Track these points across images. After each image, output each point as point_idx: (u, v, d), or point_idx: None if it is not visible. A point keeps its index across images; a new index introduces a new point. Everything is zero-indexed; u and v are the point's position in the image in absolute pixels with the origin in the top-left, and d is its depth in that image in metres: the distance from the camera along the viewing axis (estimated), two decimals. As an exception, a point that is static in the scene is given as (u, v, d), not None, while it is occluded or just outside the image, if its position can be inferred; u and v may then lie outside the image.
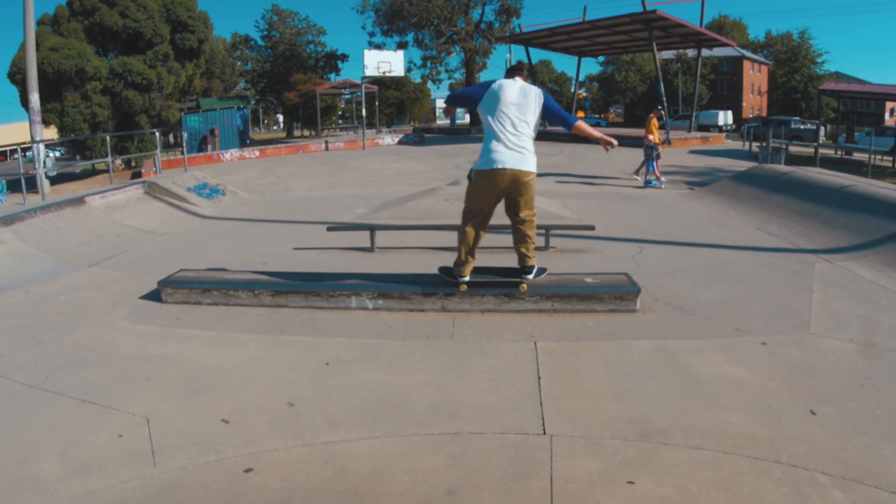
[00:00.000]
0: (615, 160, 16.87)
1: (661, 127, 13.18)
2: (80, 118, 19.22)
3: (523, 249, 4.24)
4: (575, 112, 36.25)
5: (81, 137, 19.30)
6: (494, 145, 3.87)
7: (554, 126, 4.40)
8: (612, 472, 2.46)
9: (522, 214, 4.09)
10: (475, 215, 4.11)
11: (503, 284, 4.38)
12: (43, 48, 17.76)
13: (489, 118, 3.92)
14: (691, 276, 5.24)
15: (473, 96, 4.05)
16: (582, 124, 4.17)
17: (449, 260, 5.93)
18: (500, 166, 3.83)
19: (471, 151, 20.89)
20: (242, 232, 8.23)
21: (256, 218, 9.26)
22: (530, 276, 4.31)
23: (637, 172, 12.80)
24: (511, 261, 5.81)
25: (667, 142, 13.26)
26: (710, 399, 3.04)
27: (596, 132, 4.31)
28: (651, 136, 12.32)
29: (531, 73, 36.09)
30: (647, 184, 11.96)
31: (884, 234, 6.08)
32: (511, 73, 4.11)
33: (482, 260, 5.86)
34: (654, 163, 12.04)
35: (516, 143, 3.86)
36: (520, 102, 3.91)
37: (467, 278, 4.32)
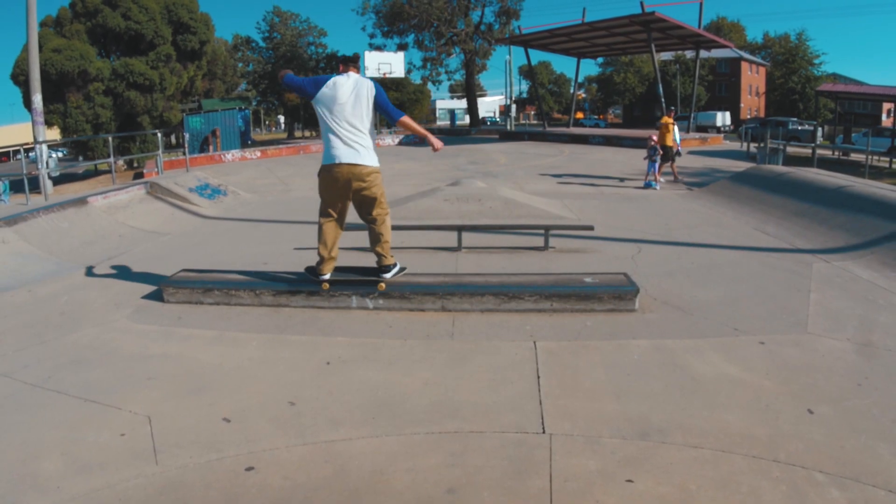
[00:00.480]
0: (614, 161, 16.89)
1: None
2: (83, 119, 19.23)
3: (378, 249, 4.30)
4: (574, 113, 36.21)
5: (84, 138, 19.31)
6: (332, 141, 3.96)
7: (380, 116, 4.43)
8: (611, 470, 2.45)
9: (374, 213, 4.17)
10: (328, 214, 4.19)
11: (363, 283, 4.41)
12: (46, 50, 17.76)
13: (326, 115, 3.97)
14: (690, 276, 5.24)
15: (308, 89, 4.02)
16: (406, 119, 4.17)
17: (449, 259, 5.95)
18: (336, 161, 3.94)
19: (471, 151, 20.91)
20: (244, 232, 8.23)
21: (258, 218, 9.26)
22: (388, 276, 4.37)
23: (660, 173, 12.46)
24: (506, 263, 5.82)
25: (677, 153, 13.08)
26: (709, 398, 3.04)
27: (421, 129, 4.45)
28: (655, 139, 12.28)
29: (531, 74, 36.10)
30: (647, 185, 11.93)
31: (881, 234, 6.08)
32: (345, 66, 4.13)
33: (481, 261, 5.87)
34: (657, 164, 11.96)
35: (352, 139, 3.95)
36: (353, 99, 3.96)
37: (328, 276, 4.37)
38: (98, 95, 19.49)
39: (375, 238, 4.26)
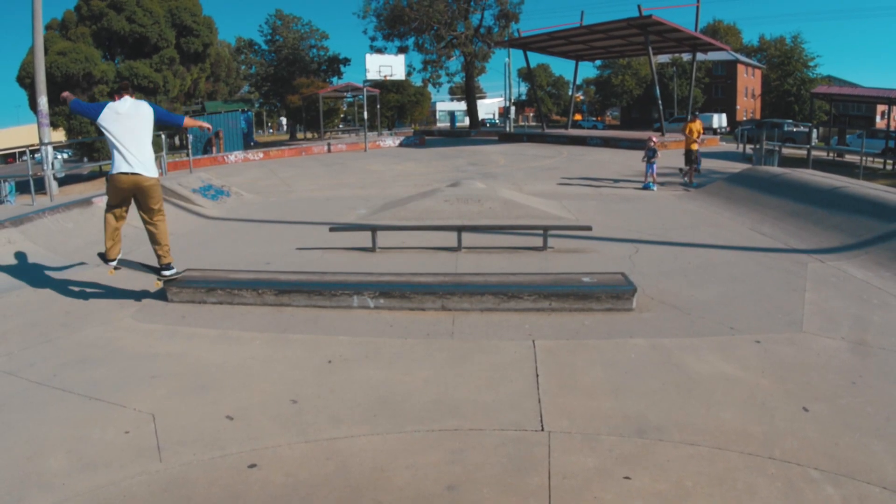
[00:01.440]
0: (612, 162, 16.88)
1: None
2: (88, 121, 19.21)
3: (157, 249, 4.64)
4: (573, 115, 36.19)
5: (89, 140, 19.29)
6: (116, 157, 4.37)
7: (167, 128, 5.04)
8: (608, 467, 2.45)
9: (154, 219, 4.56)
10: (113, 211, 4.56)
11: (152, 269, 4.76)
12: (51, 52, 17.75)
13: (109, 134, 4.37)
14: (686, 276, 5.24)
15: (92, 113, 4.48)
16: (188, 120, 4.90)
17: (449, 259, 5.95)
18: (120, 171, 4.34)
19: (470, 153, 20.90)
20: (246, 232, 8.23)
21: (260, 219, 9.26)
22: (167, 273, 4.68)
23: (686, 174, 12.34)
24: (505, 263, 5.82)
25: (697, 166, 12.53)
26: (705, 396, 3.04)
27: (198, 122, 5.00)
28: (655, 140, 12.19)
29: (530, 77, 36.08)
30: (646, 186, 11.78)
31: (875, 234, 6.08)
32: (119, 94, 4.58)
33: (481, 261, 5.88)
34: (654, 166, 11.84)
35: (132, 154, 4.36)
36: (131, 120, 4.42)
37: (115, 263, 4.71)
38: (103, 97, 19.47)
39: (154, 239, 4.62)
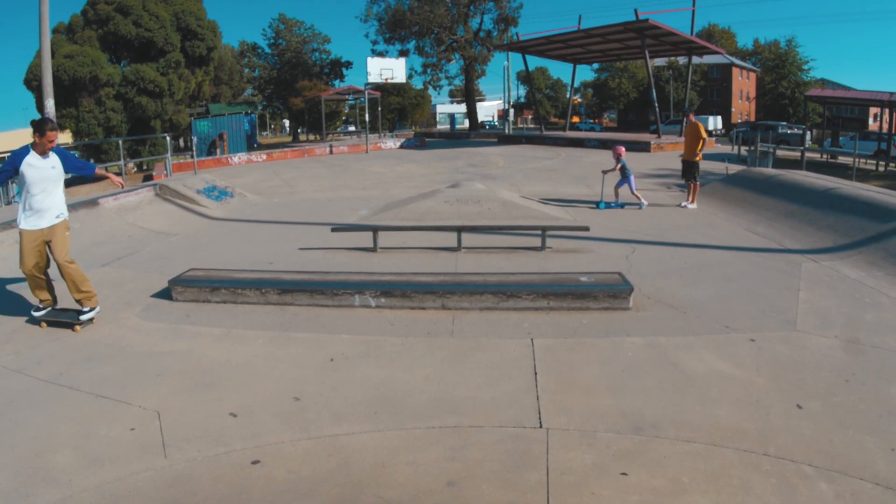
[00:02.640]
0: (609, 163, 16.84)
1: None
2: (95, 123, 19.22)
3: (75, 295, 4.23)
4: (570, 117, 36.16)
5: (96, 142, 19.30)
6: (27, 209, 4.13)
7: (77, 174, 4.74)
8: (606, 463, 2.45)
9: (61, 261, 4.19)
10: (29, 263, 4.16)
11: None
12: (58, 56, 17.74)
13: (25, 186, 4.14)
14: (682, 276, 5.23)
15: (9, 170, 4.22)
16: (99, 170, 4.76)
17: (449, 259, 5.94)
18: (33, 228, 4.12)
19: (470, 155, 20.89)
20: (250, 232, 8.23)
21: (263, 219, 9.26)
22: (84, 317, 4.22)
23: (690, 194, 9.36)
24: (504, 262, 5.82)
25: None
26: (701, 394, 3.03)
27: (106, 173, 4.77)
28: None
29: (528, 80, 36.06)
30: (618, 205, 9.37)
31: (867, 234, 6.08)
32: (34, 141, 4.24)
33: (480, 260, 5.87)
34: (632, 179, 9.44)
35: (45, 205, 4.15)
36: (45, 174, 4.15)
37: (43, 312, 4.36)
38: (109, 100, 19.47)
39: (70, 282, 4.22)
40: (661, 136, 23.77)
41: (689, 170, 9.35)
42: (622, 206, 9.37)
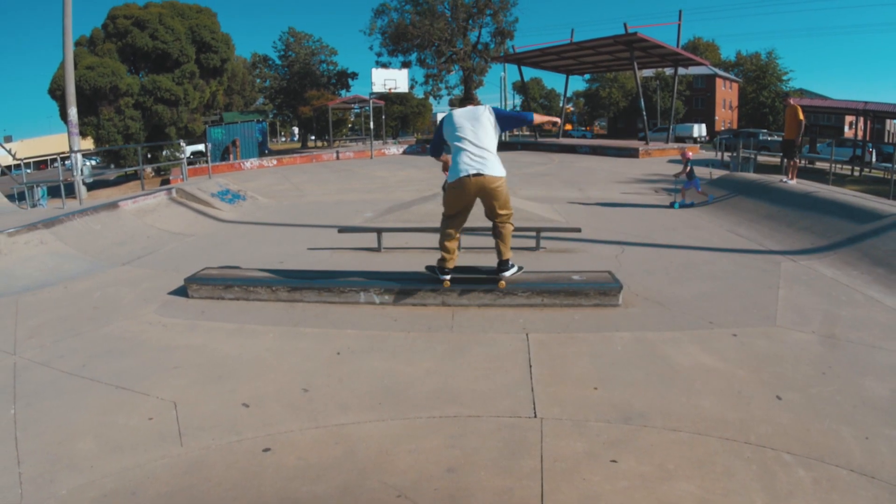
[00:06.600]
0: (599, 169, 16.86)
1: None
2: (114, 130, 19.19)
3: (500, 245, 4.22)
4: (563, 125, 36.19)
5: (115, 148, 19.26)
6: (460, 158, 3.99)
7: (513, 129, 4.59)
8: (596, 451, 2.45)
9: (499, 216, 4.18)
10: (451, 218, 4.20)
11: (485, 280, 4.39)
12: (80, 67, 17.72)
13: (453, 141, 4.05)
14: (669, 274, 5.23)
15: (438, 137, 4.24)
16: (538, 116, 4.50)
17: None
18: (464, 174, 3.93)
19: (469, 161, 20.84)
20: (261, 234, 8.22)
21: (274, 221, 9.25)
22: (507, 274, 4.26)
23: (791, 174, 9.14)
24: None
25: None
26: (686, 385, 3.04)
27: (546, 117, 4.72)
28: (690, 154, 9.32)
29: (524, 90, 36.03)
30: (683, 204, 9.39)
31: (843, 236, 6.08)
32: (462, 102, 4.32)
33: (479, 259, 5.87)
34: (699, 181, 9.51)
35: (478, 154, 3.97)
36: (472, 121, 4.04)
37: (449, 276, 4.32)
38: (128, 109, 19.44)
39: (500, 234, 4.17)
40: (649, 143, 23.75)
41: (790, 148, 9.17)
42: (692, 204, 9.41)
